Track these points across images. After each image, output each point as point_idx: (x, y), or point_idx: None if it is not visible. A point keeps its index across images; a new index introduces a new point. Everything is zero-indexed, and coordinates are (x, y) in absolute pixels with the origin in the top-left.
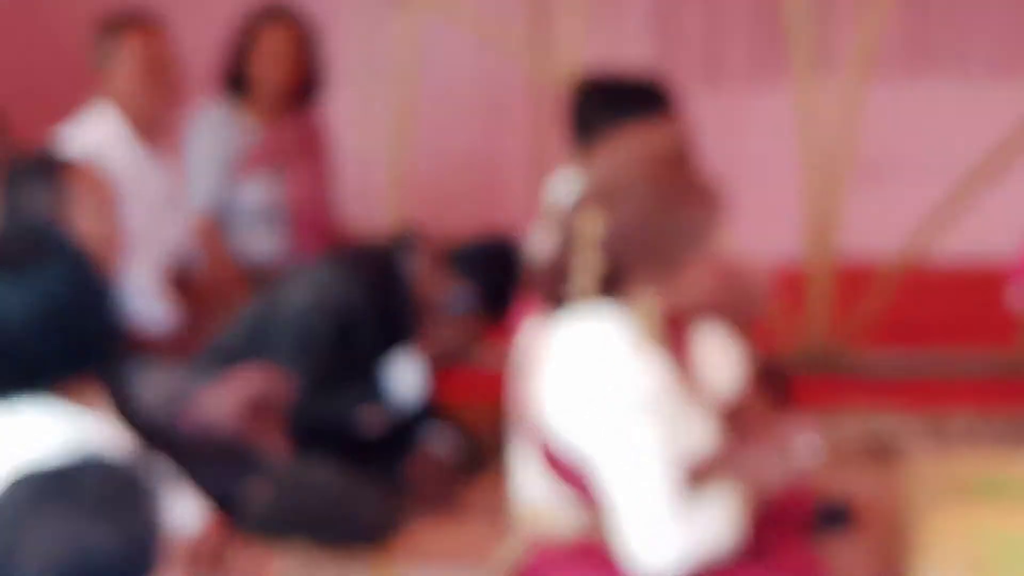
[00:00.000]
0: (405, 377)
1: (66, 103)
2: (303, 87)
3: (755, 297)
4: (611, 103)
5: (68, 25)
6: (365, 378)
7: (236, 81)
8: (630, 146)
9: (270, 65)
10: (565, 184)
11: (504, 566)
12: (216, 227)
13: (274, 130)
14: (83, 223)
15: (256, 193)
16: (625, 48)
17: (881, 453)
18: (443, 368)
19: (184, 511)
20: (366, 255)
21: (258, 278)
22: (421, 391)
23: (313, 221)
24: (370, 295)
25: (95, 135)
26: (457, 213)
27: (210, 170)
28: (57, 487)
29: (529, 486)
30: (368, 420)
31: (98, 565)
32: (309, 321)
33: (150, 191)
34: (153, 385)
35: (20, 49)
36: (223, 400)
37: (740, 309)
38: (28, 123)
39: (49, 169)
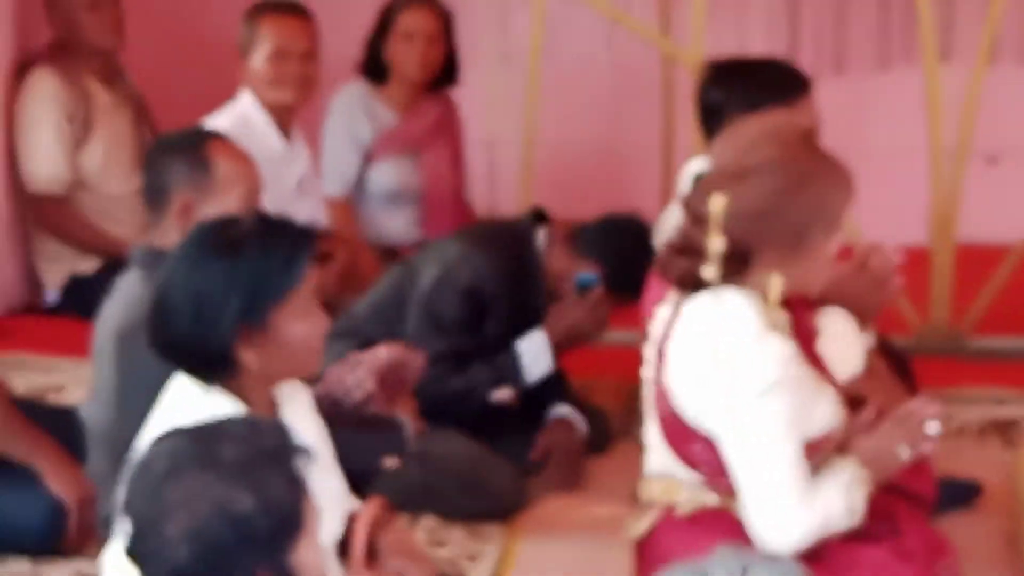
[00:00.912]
0: (535, 355)
1: (212, 94)
2: (440, 71)
3: (882, 285)
4: (742, 89)
5: (215, 15)
6: (495, 355)
7: (374, 65)
8: (758, 129)
9: (408, 49)
10: (696, 169)
11: (631, 539)
12: (350, 208)
13: (411, 113)
14: (225, 198)
15: (391, 174)
16: (752, 34)
17: (1003, 434)
18: (572, 347)
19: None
20: (497, 233)
21: (390, 258)
22: (550, 368)
23: (445, 203)
24: (500, 273)
25: (234, 121)
26: (585, 198)
27: (346, 153)
28: (199, 449)
29: (656, 461)
30: (499, 396)
31: (238, 527)
32: (439, 298)
33: (286, 176)
34: None
35: (166, 40)
36: (355, 375)
37: (866, 296)
38: (173, 116)
39: (192, 144)
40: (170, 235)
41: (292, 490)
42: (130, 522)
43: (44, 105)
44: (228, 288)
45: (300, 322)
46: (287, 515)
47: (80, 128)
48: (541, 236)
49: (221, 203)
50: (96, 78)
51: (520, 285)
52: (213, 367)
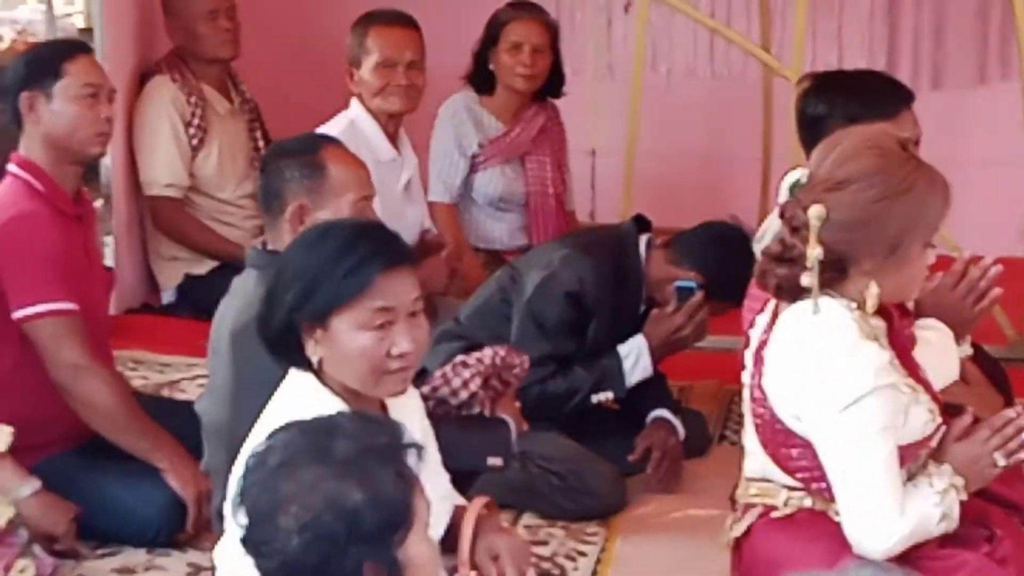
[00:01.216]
0: (635, 360)
1: (324, 101)
2: (545, 81)
3: (980, 296)
4: (845, 101)
5: (328, 24)
6: (597, 359)
7: (481, 75)
8: (858, 139)
9: (515, 59)
10: (794, 179)
11: (729, 541)
12: (454, 213)
13: (516, 122)
14: (338, 202)
15: (496, 181)
16: (851, 47)
17: None
18: (672, 352)
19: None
20: (599, 240)
21: (495, 263)
22: (650, 373)
23: (548, 209)
24: (602, 278)
25: (344, 129)
26: (685, 207)
27: (452, 160)
28: (313, 443)
29: (754, 464)
30: (599, 399)
31: (348, 520)
32: (543, 301)
33: (394, 182)
34: None
35: (280, 48)
36: (461, 375)
37: (964, 307)
38: (287, 123)
39: (306, 149)
40: (284, 238)
41: (402, 486)
42: (245, 513)
43: (162, 112)
44: (293, 278)
45: (360, 333)
46: (396, 510)
47: (197, 134)
48: (642, 243)
49: (334, 207)
50: (213, 86)
51: (621, 290)
52: (286, 354)
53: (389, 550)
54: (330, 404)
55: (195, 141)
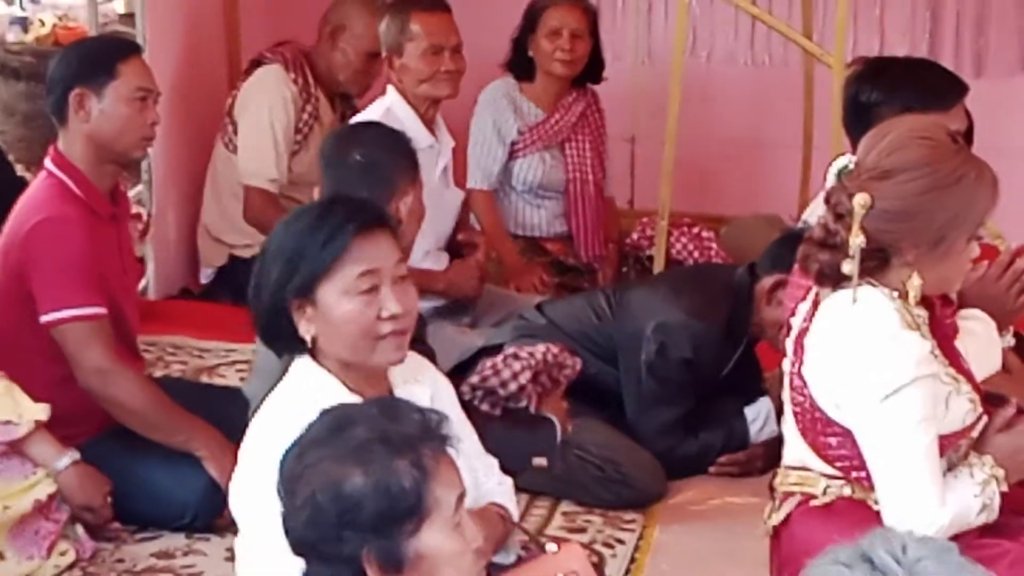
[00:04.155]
0: (763, 421)
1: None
2: (586, 66)
3: (1023, 289)
4: (900, 90)
5: None
6: (724, 421)
7: (521, 61)
8: (908, 128)
9: (554, 45)
10: (841, 165)
11: (768, 529)
12: (492, 200)
13: (556, 108)
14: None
15: (535, 168)
16: (893, 34)
17: None
18: None
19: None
20: (713, 300)
21: (533, 250)
22: (776, 434)
23: (588, 196)
24: (715, 343)
25: (381, 117)
26: (725, 194)
27: (491, 147)
28: (333, 426)
29: (794, 452)
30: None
31: (344, 504)
32: (663, 369)
33: (432, 168)
34: (442, 340)
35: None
36: (512, 368)
37: (1008, 297)
38: None
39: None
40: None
41: (415, 476)
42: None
43: (279, 107)
44: (274, 258)
45: (347, 299)
46: (402, 501)
47: (299, 139)
48: (753, 287)
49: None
50: (326, 95)
51: (730, 341)
52: (279, 340)
53: (393, 540)
54: (328, 385)
55: (297, 144)
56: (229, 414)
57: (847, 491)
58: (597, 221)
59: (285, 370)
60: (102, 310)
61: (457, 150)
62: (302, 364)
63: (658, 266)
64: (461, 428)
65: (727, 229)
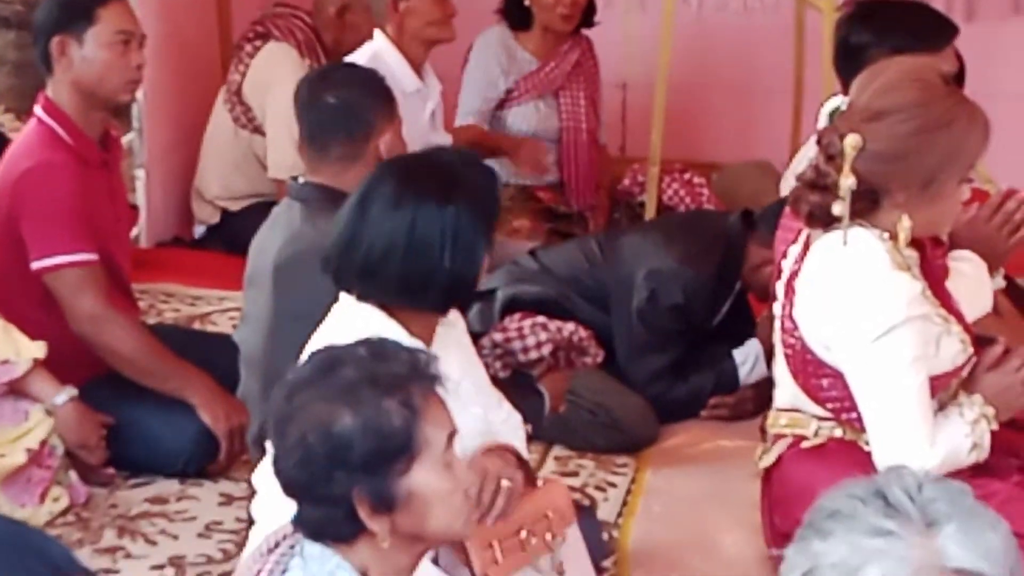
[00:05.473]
0: (752, 363)
1: None
2: (581, 14)
3: (1014, 229)
4: (891, 32)
5: None
6: (714, 364)
7: (516, 10)
8: (899, 70)
9: None
10: (833, 107)
11: (759, 471)
12: (477, 127)
13: (551, 57)
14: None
15: (529, 117)
16: None
17: None
18: None
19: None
20: (709, 246)
21: (527, 199)
22: (765, 375)
23: (581, 144)
24: (706, 290)
25: (369, 61)
26: (716, 139)
27: (481, 90)
28: (324, 366)
29: (784, 395)
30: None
31: (333, 443)
32: (652, 316)
33: (420, 112)
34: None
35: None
36: (536, 336)
37: (998, 240)
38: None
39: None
40: (327, 175)
41: (404, 416)
42: (270, 432)
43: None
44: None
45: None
46: (391, 439)
47: None
48: (747, 239)
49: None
50: None
51: (722, 286)
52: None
53: (384, 480)
54: (379, 326)
55: None
56: (221, 361)
57: (838, 432)
58: (590, 170)
59: (302, 317)
60: (93, 256)
61: (446, 95)
62: (361, 311)
63: (650, 212)
64: (469, 360)
65: (718, 175)
